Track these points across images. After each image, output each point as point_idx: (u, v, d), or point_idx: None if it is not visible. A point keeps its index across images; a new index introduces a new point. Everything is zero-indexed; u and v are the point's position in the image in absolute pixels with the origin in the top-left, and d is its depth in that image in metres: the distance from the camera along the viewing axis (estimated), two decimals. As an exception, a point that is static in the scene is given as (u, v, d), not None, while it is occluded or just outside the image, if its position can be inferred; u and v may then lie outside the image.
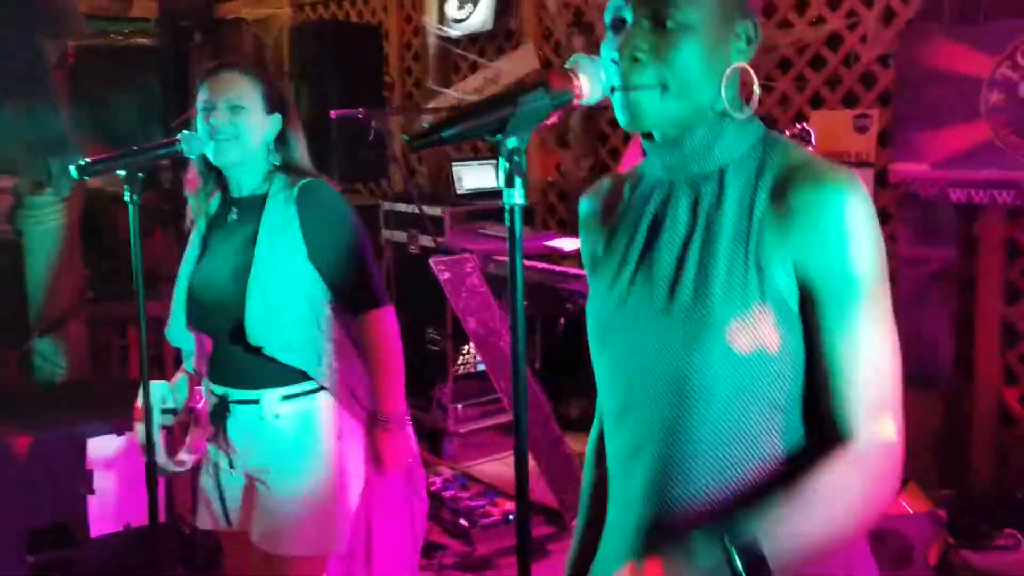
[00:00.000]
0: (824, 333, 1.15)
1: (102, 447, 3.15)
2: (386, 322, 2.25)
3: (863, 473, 1.13)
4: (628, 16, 1.22)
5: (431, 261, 3.81)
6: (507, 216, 1.14)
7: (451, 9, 5.98)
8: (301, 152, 2.27)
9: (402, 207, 5.07)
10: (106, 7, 7.11)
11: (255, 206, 2.21)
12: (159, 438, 2.24)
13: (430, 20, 6.11)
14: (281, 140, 2.25)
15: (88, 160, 2.10)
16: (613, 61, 1.22)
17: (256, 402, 2.20)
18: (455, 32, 5.99)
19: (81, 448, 3.12)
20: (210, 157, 2.20)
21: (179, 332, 2.30)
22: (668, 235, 1.25)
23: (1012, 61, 3.45)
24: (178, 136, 2.18)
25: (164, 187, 4.94)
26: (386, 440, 2.24)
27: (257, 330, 2.12)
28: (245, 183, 2.25)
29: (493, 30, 5.78)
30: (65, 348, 4.15)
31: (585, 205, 1.44)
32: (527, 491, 1.17)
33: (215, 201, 2.32)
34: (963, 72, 3.58)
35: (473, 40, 6.01)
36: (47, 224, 4.05)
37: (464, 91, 6.00)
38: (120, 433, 3.15)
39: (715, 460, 1.19)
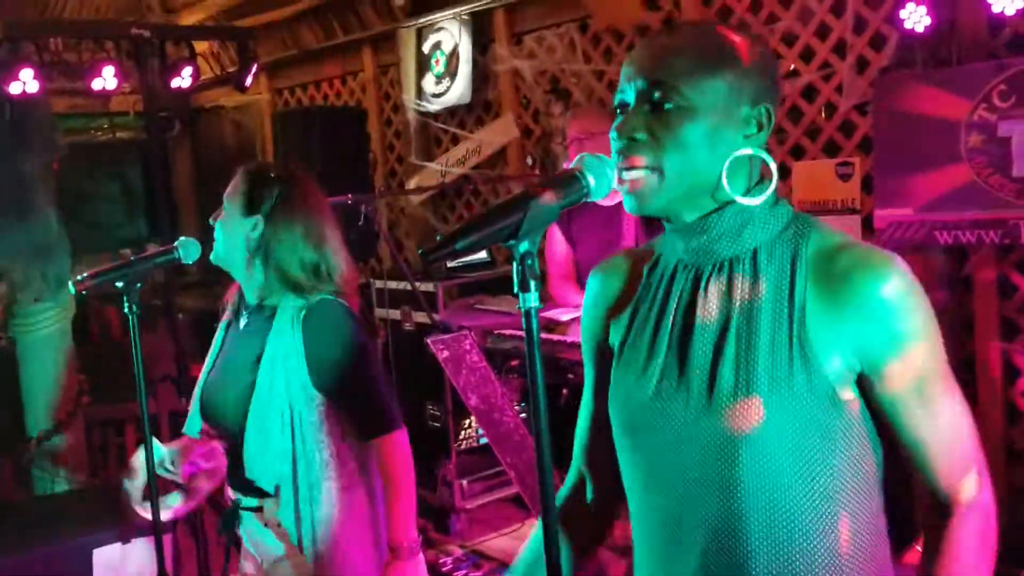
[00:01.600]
0: (901, 416, 1.17)
1: (108, 557, 3.09)
2: (398, 447, 2.15)
3: (979, 539, 1.18)
4: (630, 99, 1.22)
5: (429, 341, 3.79)
6: (524, 319, 1.14)
7: (429, 85, 6.05)
8: (288, 259, 2.14)
9: (393, 285, 5.07)
10: (86, 104, 7.17)
11: (263, 320, 2.17)
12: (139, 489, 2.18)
13: (409, 97, 6.18)
14: (264, 245, 2.14)
15: (86, 274, 2.09)
16: (614, 142, 1.23)
17: (260, 510, 2.17)
18: (434, 107, 6.05)
19: (87, 559, 3.06)
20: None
21: (197, 428, 2.27)
22: (701, 323, 1.22)
23: (988, 103, 3.50)
24: (175, 244, 2.17)
25: (157, 281, 4.92)
26: (397, 570, 2.12)
27: (252, 466, 2.10)
28: (247, 290, 2.22)
29: (471, 102, 5.85)
30: (63, 456, 4.10)
31: (596, 283, 1.41)
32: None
33: (238, 300, 2.29)
34: (940, 116, 3.62)
35: (452, 113, 6.08)
36: (42, 331, 4.02)
37: (447, 163, 6.05)
38: (125, 541, 3.10)
39: (774, 558, 1.16)
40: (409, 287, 4.69)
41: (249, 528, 2.20)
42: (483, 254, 5.31)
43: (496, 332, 4.12)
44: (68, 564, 3.05)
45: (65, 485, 4.07)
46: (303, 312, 2.11)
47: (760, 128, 1.22)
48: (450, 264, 5.19)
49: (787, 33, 4.28)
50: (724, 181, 1.20)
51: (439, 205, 6.38)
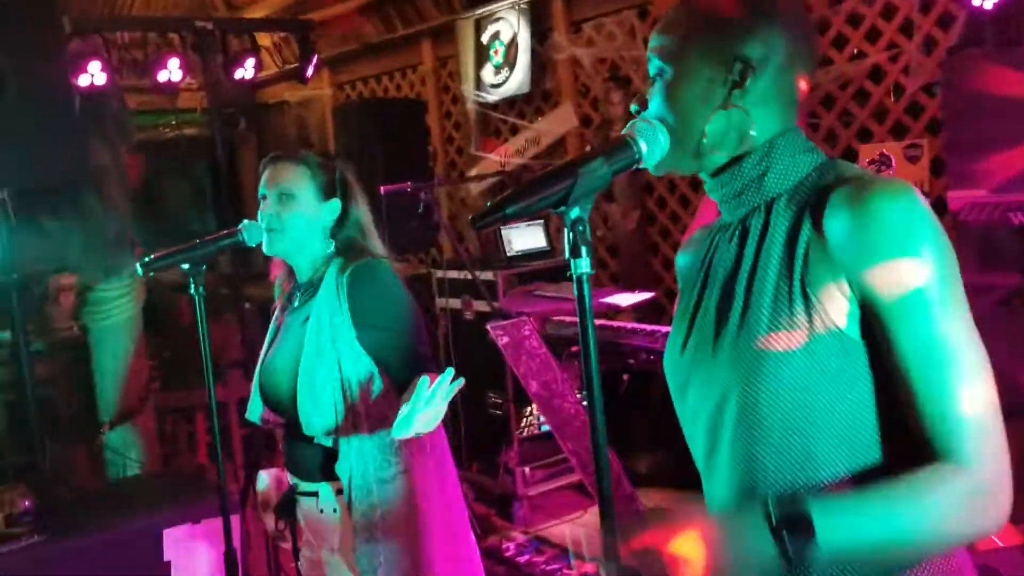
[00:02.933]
0: (900, 353, 1.08)
1: (178, 537, 3.15)
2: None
3: (967, 488, 1.05)
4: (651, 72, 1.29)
5: (489, 327, 3.80)
6: (575, 286, 1.14)
7: (488, 75, 6.07)
8: (364, 233, 2.25)
9: (454, 274, 5.10)
10: (153, 101, 7.34)
11: (313, 293, 2.21)
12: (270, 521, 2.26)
13: (468, 88, 6.20)
14: (340, 224, 2.23)
15: (152, 256, 2.14)
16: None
17: (315, 494, 2.19)
18: (493, 97, 6.06)
19: (158, 540, 3.13)
20: (263, 247, 2.21)
21: (258, 412, 2.31)
22: (716, 275, 1.26)
23: (1061, 80, 3.39)
24: (239, 227, 2.20)
25: (223, 271, 5.03)
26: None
27: (309, 422, 2.12)
28: (303, 270, 2.25)
29: (530, 92, 5.85)
30: (135, 440, 4.20)
31: (680, 260, 1.45)
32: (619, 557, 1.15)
33: (289, 284, 2.33)
34: (1012, 95, 3.52)
35: (511, 103, 6.08)
36: (114, 318, 4.13)
37: (507, 154, 6.06)
38: (196, 521, 3.16)
39: (785, 489, 1.16)
40: (469, 276, 4.72)
41: (306, 513, 2.22)
42: (542, 242, 5.30)
43: (556, 319, 4.11)
44: (139, 544, 3.11)
45: (136, 470, 4.18)
46: (347, 275, 2.15)
47: (741, 84, 1.19)
48: (509, 254, 5.21)
49: (852, 13, 4.19)
50: (704, 137, 1.21)
51: (498, 195, 6.38)
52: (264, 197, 2.20)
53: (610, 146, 1.17)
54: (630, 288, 4.58)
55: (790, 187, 1.21)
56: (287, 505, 2.24)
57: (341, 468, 2.11)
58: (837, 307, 1.11)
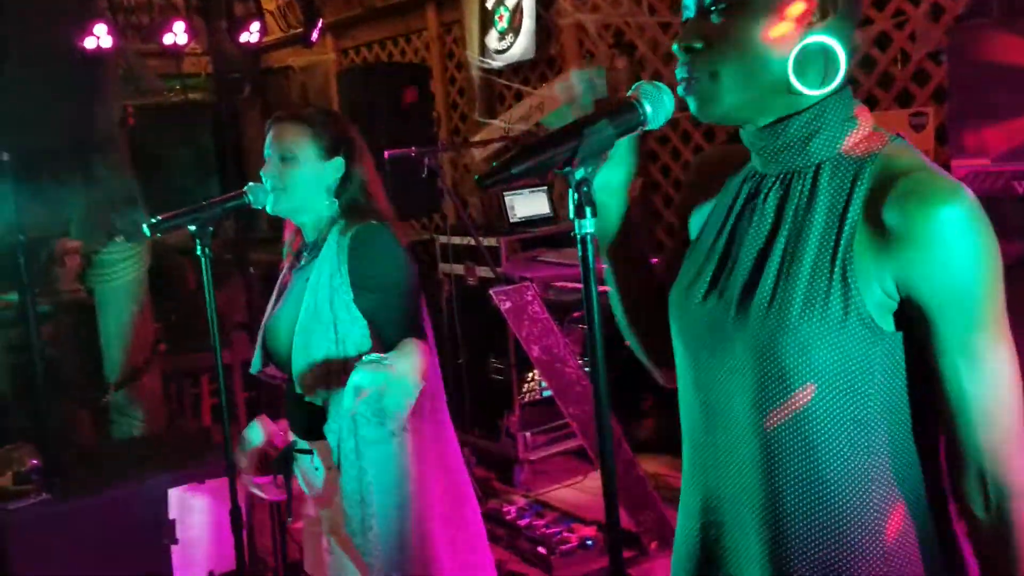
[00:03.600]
0: (946, 356, 1.09)
1: (183, 496, 3.20)
2: (420, 347, 2.09)
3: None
4: (691, 9, 1.21)
5: (491, 292, 3.83)
6: (579, 246, 1.15)
7: (492, 41, 6.04)
8: (369, 193, 2.22)
9: (457, 240, 5.11)
10: (158, 66, 7.31)
11: (317, 252, 2.22)
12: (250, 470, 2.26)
13: (472, 54, 6.17)
14: (344, 183, 2.21)
15: (159, 217, 2.15)
16: (676, 53, 1.22)
17: (310, 452, 2.22)
18: (497, 63, 6.04)
19: (163, 499, 3.17)
20: (267, 207, 2.22)
21: (258, 366, 2.34)
22: (752, 235, 1.21)
23: (1069, 49, 3.38)
24: (244, 188, 2.21)
25: (228, 235, 5.04)
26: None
27: (303, 379, 2.13)
28: (308, 229, 2.26)
29: (535, 58, 5.82)
30: (140, 401, 4.24)
31: (695, 169, 1.40)
32: (618, 521, 1.18)
33: (296, 243, 2.33)
34: (1019, 65, 3.50)
35: (515, 70, 6.06)
36: (119, 280, 4.15)
37: (511, 120, 6.04)
38: (201, 481, 3.20)
39: (799, 471, 1.15)
40: (472, 243, 4.73)
41: (304, 469, 2.25)
42: (545, 208, 5.31)
43: (558, 284, 4.13)
44: (144, 503, 3.16)
45: (141, 431, 4.21)
46: (348, 237, 2.14)
47: (824, 15, 1.15)
48: (512, 220, 5.22)
49: (859, -20, 4.17)
50: (791, 75, 1.14)
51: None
52: (268, 157, 2.21)
53: (615, 107, 1.17)
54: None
55: (834, 155, 1.16)
56: (285, 460, 2.26)
57: (330, 429, 2.11)
58: (874, 297, 1.10)
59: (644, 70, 5.30)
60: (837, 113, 1.17)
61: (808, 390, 1.12)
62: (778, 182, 1.21)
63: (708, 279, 1.25)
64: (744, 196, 1.25)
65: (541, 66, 5.92)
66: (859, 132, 1.18)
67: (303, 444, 2.23)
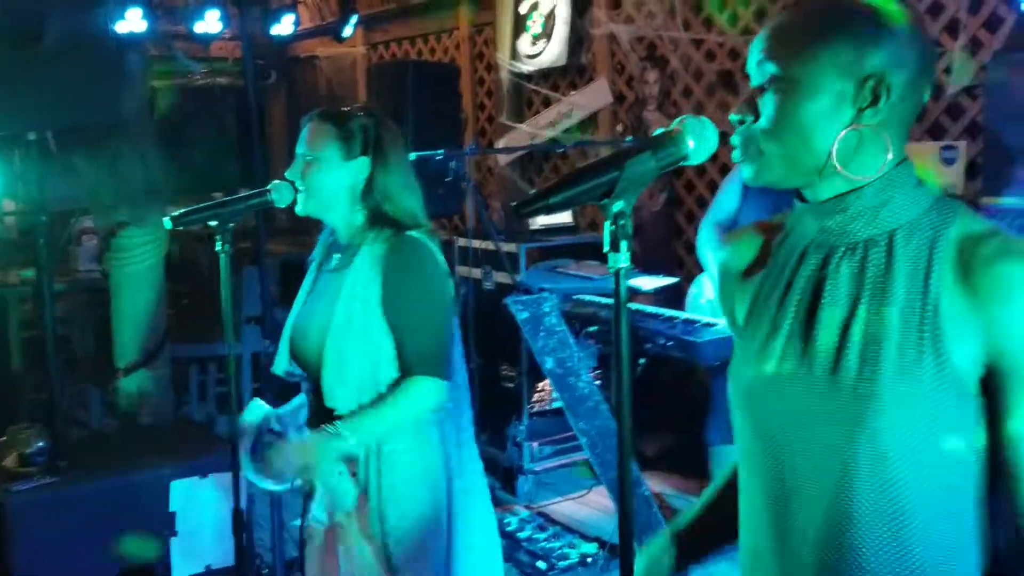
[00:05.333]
0: (1015, 426, 1.09)
1: (185, 489, 3.18)
2: (427, 392, 2.10)
3: None
4: (753, 77, 1.20)
5: (508, 300, 3.79)
6: (614, 280, 1.12)
7: (524, 45, 6.01)
8: (395, 196, 2.16)
9: (477, 243, 5.08)
10: (186, 48, 7.31)
11: (350, 257, 2.18)
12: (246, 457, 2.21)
13: (503, 56, 6.15)
14: (369, 186, 2.16)
15: (181, 211, 2.13)
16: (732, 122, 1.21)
17: None
18: (528, 68, 6.01)
19: (164, 491, 3.16)
20: (296, 209, 2.19)
21: (284, 367, 2.30)
22: (830, 301, 1.18)
23: (1110, 91, 3.32)
24: (268, 187, 2.19)
25: (246, 225, 5.02)
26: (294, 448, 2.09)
27: (332, 393, 2.11)
28: (341, 232, 2.22)
29: (566, 65, 5.79)
30: (149, 388, 4.22)
31: (726, 255, 1.38)
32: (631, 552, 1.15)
33: (330, 241, 2.29)
34: (1057, 102, 3.45)
35: (545, 75, 6.03)
36: (136, 265, 4.13)
37: (537, 126, 6.01)
38: (203, 475, 3.19)
39: (886, 542, 1.13)
40: (492, 247, 4.70)
41: (323, 476, 2.21)
42: (567, 218, 5.28)
43: (576, 296, 4.09)
44: (146, 493, 3.14)
45: (149, 418, 4.20)
46: (388, 245, 2.11)
47: (876, 100, 1.14)
48: (533, 227, 5.19)
49: (899, 9, 4.12)
50: (834, 158, 1.15)
51: (527, 167, 6.36)
52: (297, 156, 2.18)
53: (658, 140, 1.15)
54: (652, 271, 4.55)
55: (906, 222, 1.15)
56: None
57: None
58: (964, 360, 1.09)
59: (675, 85, 5.26)
60: (905, 180, 1.17)
61: (900, 456, 1.11)
62: (849, 251, 1.19)
63: (779, 354, 1.21)
64: (811, 268, 1.22)
65: (571, 73, 5.89)
66: (928, 198, 1.17)
67: None
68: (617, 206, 1.10)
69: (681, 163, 1.17)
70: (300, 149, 2.18)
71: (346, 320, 2.10)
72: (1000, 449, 1.11)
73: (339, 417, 2.10)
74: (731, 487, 1.37)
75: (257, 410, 2.22)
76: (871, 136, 1.15)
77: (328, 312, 2.14)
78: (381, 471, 2.12)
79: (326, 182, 2.15)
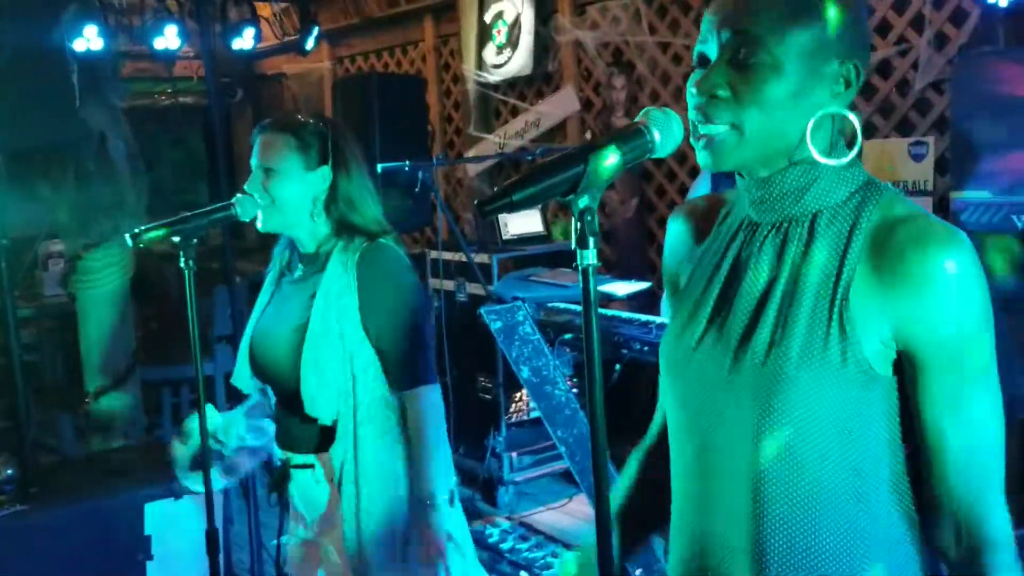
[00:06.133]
0: (932, 406, 1.10)
1: (159, 512, 3.12)
2: (428, 402, 2.12)
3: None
4: (712, 52, 1.17)
5: (482, 311, 3.76)
6: (580, 278, 1.09)
7: (489, 55, 6.00)
8: (359, 204, 2.14)
9: (449, 255, 5.05)
10: (150, 68, 7.24)
11: (318, 265, 2.15)
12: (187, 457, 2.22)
13: (469, 67, 6.13)
14: (332, 194, 2.12)
15: (142, 228, 2.07)
16: (692, 97, 1.17)
17: (311, 467, 2.15)
18: (494, 78, 6.00)
19: (139, 514, 3.10)
20: (256, 223, 2.14)
21: (244, 379, 2.25)
22: (748, 283, 1.19)
23: (1074, 82, 3.35)
24: (232, 200, 2.14)
25: (214, 244, 4.96)
26: (421, 523, 2.08)
27: (313, 402, 2.07)
28: (305, 242, 2.18)
29: (532, 74, 5.78)
30: (119, 411, 4.15)
31: (674, 225, 1.38)
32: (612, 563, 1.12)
33: (288, 252, 2.25)
34: (1023, 96, 3.48)
35: (512, 85, 6.02)
36: (101, 288, 4.07)
37: (505, 136, 6.00)
38: (177, 497, 3.13)
39: (796, 519, 1.13)
40: (464, 259, 4.67)
41: (301, 487, 2.18)
42: (539, 226, 5.26)
43: (550, 305, 4.07)
44: (120, 517, 3.09)
45: (120, 442, 4.13)
46: (360, 252, 2.09)
47: (848, 85, 1.15)
48: (505, 237, 5.16)
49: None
50: (808, 141, 1.14)
51: (496, 177, 6.34)
52: (254, 169, 2.13)
53: (622, 134, 1.12)
54: (626, 276, 4.54)
55: (832, 204, 1.16)
56: (281, 480, 2.19)
57: (336, 451, 2.08)
58: (872, 344, 1.09)
59: (642, 90, 5.26)
60: (837, 164, 1.16)
61: (804, 436, 1.11)
62: (774, 230, 1.19)
63: (702, 327, 1.22)
64: (738, 244, 1.23)
65: (538, 82, 5.89)
66: (855, 181, 1.17)
67: (300, 459, 2.16)
68: (583, 202, 1.07)
69: (647, 156, 1.14)
70: (257, 161, 2.13)
71: (322, 328, 2.07)
72: (918, 434, 1.12)
73: (325, 426, 2.08)
74: (656, 458, 1.39)
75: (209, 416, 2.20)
76: (829, 119, 1.15)
77: (297, 321, 2.11)
78: (359, 478, 2.09)
79: (289, 194, 2.10)
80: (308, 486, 2.16)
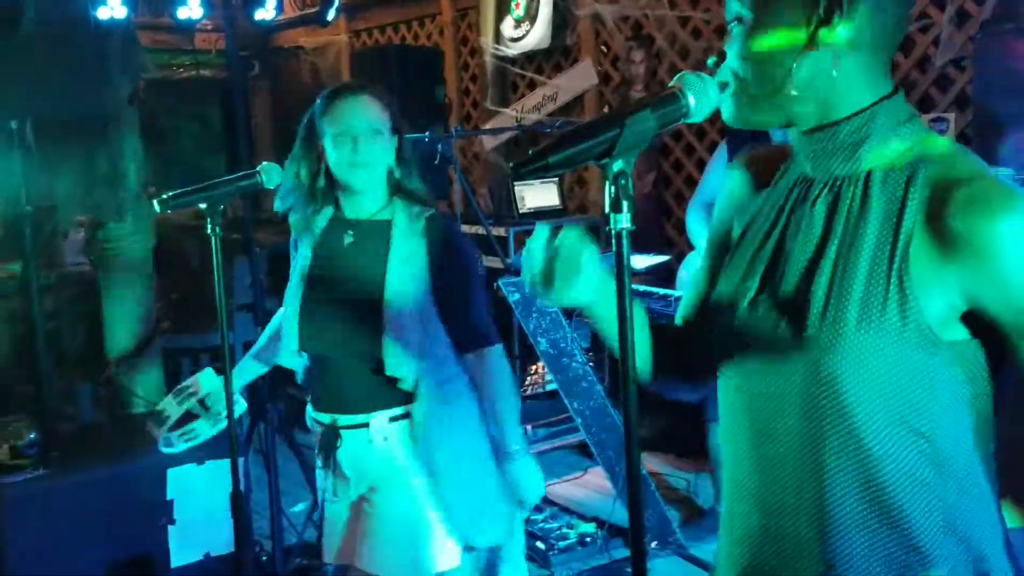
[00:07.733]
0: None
1: (182, 477, 3.16)
2: (499, 360, 2.23)
3: None
4: (730, 8, 1.20)
5: (500, 283, 3.78)
6: (614, 241, 1.10)
7: (507, 28, 5.98)
8: (414, 172, 2.25)
9: (466, 228, 5.06)
10: (170, 40, 7.25)
11: (378, 232, 2.19)
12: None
13: (487, 40, 6.12)
14: (398, 162, 2.22)
15: (170, 194, 2.10)
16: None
17: (365, 426, 2.18)
18: (512, 51, 5.98)
19: (161, 479, 3.14)
20: (352, 184, 2.17)
21: (289, 354, 2.28)
22: (801, 242, 1.17)
23: (1097, 59, 3.33)
24: (257, 168, 2.16)
25: (237, 215, 4.98)
26: (512, 472, 2.21)
27: (397, 363, 2.12)
28: (366, 206, 2.22)
29: (550, 48, 5.77)
30: (141, 379, 4.20)
31: (736, 175, 1.35)
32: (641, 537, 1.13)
33: (322, 220, 2.27)
34: (1045, 72, 3.46)
35: (530, 58, 6.00)
36: (124, 257, 4.10)
37: (523, 109, 5.99)
38: (200, 462, 3.17)
39: (857, 486, 1.12)
40: (481, 231, 4.68)
41: (351, 448, 2.20)
42: (555, 200, 5.26)
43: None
44: (142, 481, 3.12)
45: (142, 409, 4.17)
46: (423, 222, 2.18)
47: (830, 16, 1.11)
48: (522, 210, 5.17)
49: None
50: (791, 86, 1.13)
51: (512, 152, 6.34)
52: (344, 132, 2.14)
53: (657, 98, 1.12)
54: (643, 250, 4.55)
55: (886, 162, 1.13)
56: (331, 442, 2.22)
57: (417, 409, 2.15)
58: (934, 306, 1.07)
59: (661, 64, 5.24)
60: (889, 118, 1.14)
61: (863, 401, 1.10)
62: (827, 188, 1.17)
63: (755, 285, 1.20)
64: (792, 201, 1.21)
65: (556, 56, 5.87)
66: (911, 136, 1.15)
67: (349, 419, 2.20)
68: (618, 165, 1.08)
69: (682, 120, 1.14)
70: (359, 122, 2.14)
71: (400, 291, 2.14)
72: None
73: (378, 377, 2.14)
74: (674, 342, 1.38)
75: (208, 379, 2.34)
76: (828, 57, 1.12)
77: (366, 288, 2.16)
78: (443, 434, 2.17)
79: (384, 155, 2.18)
80: (359, 447, 2.20)
